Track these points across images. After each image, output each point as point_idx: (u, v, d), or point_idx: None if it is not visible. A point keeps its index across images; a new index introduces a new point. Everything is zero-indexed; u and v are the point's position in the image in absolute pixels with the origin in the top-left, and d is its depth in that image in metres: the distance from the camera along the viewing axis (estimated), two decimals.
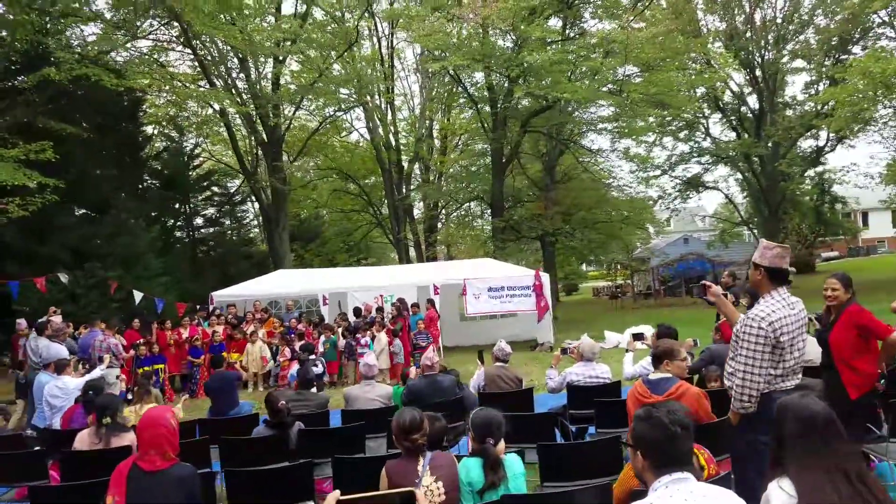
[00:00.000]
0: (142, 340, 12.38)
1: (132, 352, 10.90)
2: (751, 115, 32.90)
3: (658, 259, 37.49)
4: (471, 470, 3.35)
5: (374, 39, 27.44)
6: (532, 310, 16.78)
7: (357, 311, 14.34)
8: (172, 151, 27.08)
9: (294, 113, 24.60)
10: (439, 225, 36.09)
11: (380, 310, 14.34)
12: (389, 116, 28.40)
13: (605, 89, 19.69)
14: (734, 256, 32.60)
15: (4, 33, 14.50)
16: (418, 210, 34.60)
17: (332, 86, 22.64)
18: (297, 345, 12.44)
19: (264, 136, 23.16)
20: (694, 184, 34.91)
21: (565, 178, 30.42)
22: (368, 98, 27.34)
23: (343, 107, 25.76)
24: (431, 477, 3.25)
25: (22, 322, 10.64)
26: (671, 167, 33.91)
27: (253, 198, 26.36)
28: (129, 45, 19.03)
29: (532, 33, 17.99)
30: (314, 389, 7.37)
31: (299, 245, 30.67)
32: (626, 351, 6.81)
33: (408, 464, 3.31)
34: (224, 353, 12.89)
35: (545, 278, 17.12)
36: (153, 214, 24.69)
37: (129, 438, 5.17)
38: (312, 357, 9.73)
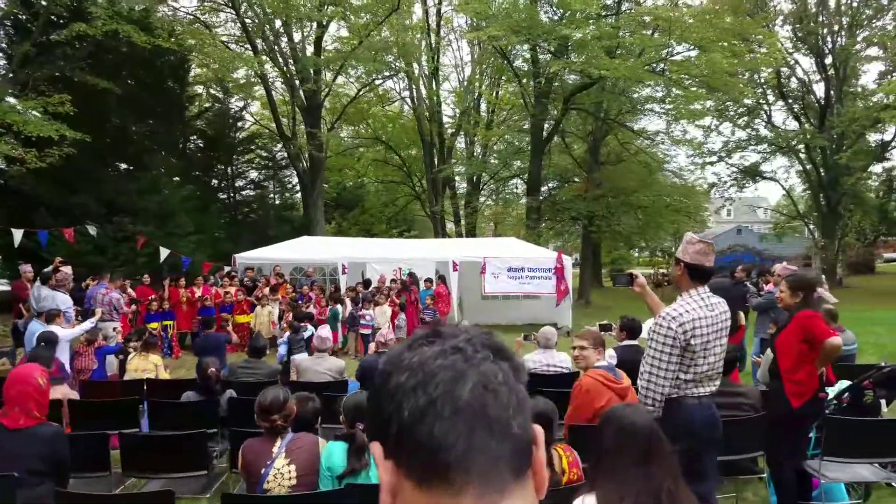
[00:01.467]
0: (153, 296, 12.68)
1: (133, 306, 11.11)
2: (816, 105, 31.01)
3: None
4: (333, 454, 3.18)
5: (422, 6, 27.07)
6: (551, 293, 16.41)
7: (367, 283, 14.27)
8: (217, 112, 27.51)
9: (334, 79, 24.51)
10: (481, 200, 35.79)
11: (394, 282, 14.23)
12: (434, 86, 28.05)
13: (649, 69, 18.67)
14: (786, 251, 31.12)
15: None
16: (461, 186, 34.35)
17: (373, 52, 22.34)
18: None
19: (304, 100, 23.19)
20: (751, 173, 33.36)
21: (613, 159, 29.51)
22: (415, 66, 27.10)
23: (386, 74, 25.48)
24: (285, 459, 3.10)
25: (27, 267, 10.93)
26: (728, 154, 32.48)
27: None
28: (173, 3, 19.37)
29: (574, 5, 17.22)
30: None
31: (339, 213, 30.90)
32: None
33: (264, 444, 3.17)
34: (230, 315, 13.24)
35: (567, 261, 16.68)
36: (195, 174, 25.26)
37: (60, 391, 5.21)
38: (304, 325, 9.68)
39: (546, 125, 24.62)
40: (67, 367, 8.46)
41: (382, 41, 22.80)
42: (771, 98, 31.87)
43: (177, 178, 20.88)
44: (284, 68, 22.13)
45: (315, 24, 23.73)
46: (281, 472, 3.03)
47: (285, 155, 30.76)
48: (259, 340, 6.34)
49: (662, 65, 18.63)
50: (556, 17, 21.16)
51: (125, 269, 16.21)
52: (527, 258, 16.64)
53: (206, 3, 22.06)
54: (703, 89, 21.31)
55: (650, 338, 3.43)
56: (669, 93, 21.25)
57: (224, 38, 25.03)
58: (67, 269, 10.70)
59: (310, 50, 23.70)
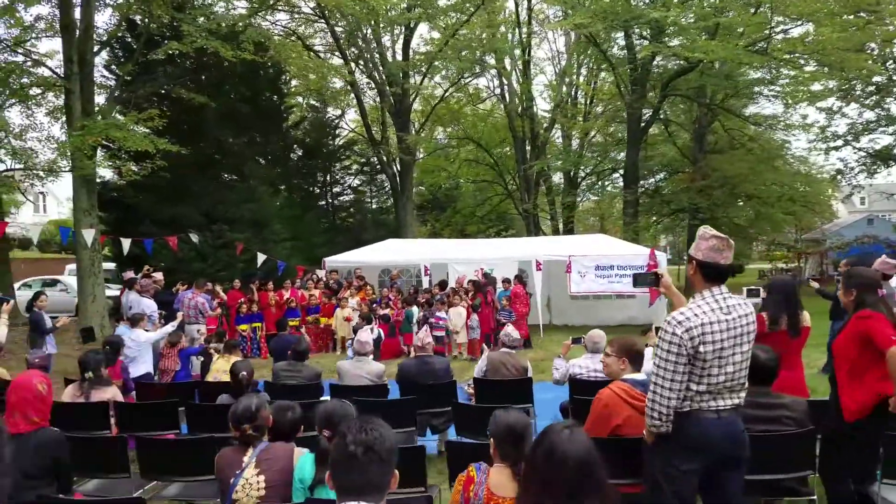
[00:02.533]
0: (242, 299, 13.23)
1: (219, 309, 11.62)
2: None
3: (833, 241, 33.05)
4: (305, 465, 3.01)
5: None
6: (644, 292, 15.53)
7: (443, 284, 14.14)
8: (314, 121, 28.51)
9: (421, 81, 24.69)
10: (582, 195, 34.84)
11: (471, 283, 14.00)
12: (525, 81, 27.55)
13: (751, 49, 17.11)
14: None
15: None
16: (560, 182, 33.54)
17: (459, 51, 22.28)
18: (381, 313, 12.64)
19: (392, 105, 23.54)
20: (882, 157, 30.09)
21: (723, 147, 27.64)
22: (507, 61, 26.77)
23: (475, 71, 25.31)
24: (255, 470, 2.96)
25: (129, 273, 11.70)
26: (855, 137, 29.50)
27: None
28: (266, 18, 20.27)
29: None
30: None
31: (431, 215, 31.13)
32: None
33: (236, 453, 3.05)
34: (316, 316, 13.59)
35: (661, 258, 15.76)
36: (294, 182, 26.32)
37: (110, 392, 5.42)
38: (369, 326, 9.71)
39: (645, 115, 23.49)
40: (151, 368, 8.96)
41: (468, 39, 22.68)
42: None
43: (273, 187, 21.73)
44: (374, 74, 22.53)
45: (403, 28, 24.07)
46: (250, 483, 2.90)
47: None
48: (301, 344, 6.34)
49: (765, 44, 17.01)
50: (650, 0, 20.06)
51: (226, 273, 17.17)
52: (616, 255, 15.87)
53: (298, 16, 22.86)
54: (823, 68, 19.44)
55: (657, 344, 3.01)
56: (779, 74, 19.53)
57: (318, 49, 26.00)
58: (158, 276, 11.38)
59: (399, 54, 24.05)
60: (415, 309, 12.41)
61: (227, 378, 7.83)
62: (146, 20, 15.68)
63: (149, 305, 9.95)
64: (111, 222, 18.44)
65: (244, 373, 4.87)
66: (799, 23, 18.23)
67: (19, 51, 15.40)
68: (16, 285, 19.10)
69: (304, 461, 3.00)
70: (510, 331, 6.14)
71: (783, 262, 35.35)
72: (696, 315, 2.90)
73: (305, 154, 27.66)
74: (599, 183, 35.15)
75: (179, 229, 15.96)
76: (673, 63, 21.55)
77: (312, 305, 13.60)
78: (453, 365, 6.94)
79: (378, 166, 31.88)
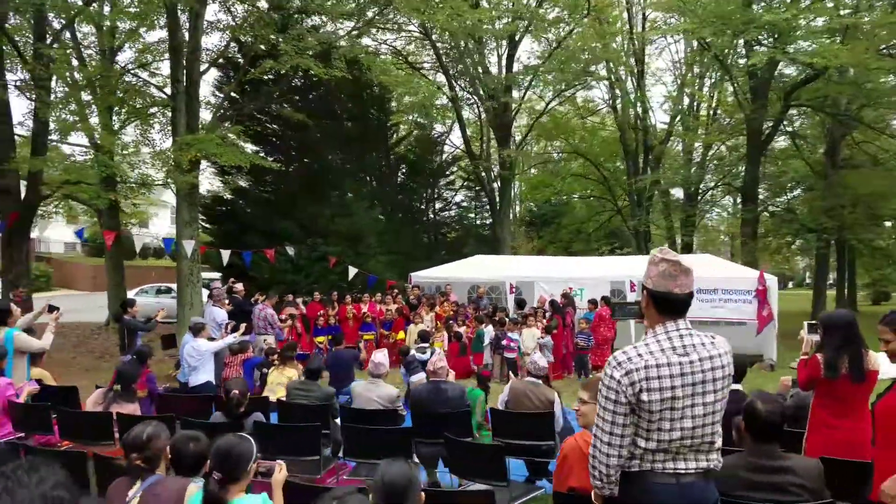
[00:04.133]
0: (321, 311, 13.39)
1: (289, 321, 11.76)
2: None
3: None
4: (193, 502, 2.69)
5: (625, 8, 25.57)
6: (752, 319, 14.07)
7: (521, 303, 13.52)
8: (420, 138, 28.83)
9: (524, 95, 24.21)
10: (698, 213, 32.58)
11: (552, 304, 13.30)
12: (638, 91, 26.29)
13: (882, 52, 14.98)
14: None
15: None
16: (678, 195, 31.63)
17: (560, 62, 21.63)
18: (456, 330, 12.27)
19: (494, 119, 23.25)
20: None
21: (861, 163, 24.72)
22: (622, 71, 25.68)
23: (580, 82, 24.49)
24: None
25: (216, 284, 12.15)
26: None
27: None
28: (374, 37, 20.79)
29: None
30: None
31: (536, 232, 30.36)
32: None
33: (125, 485, 2.78)
34: (389, 332, 13.46)
35: (772, 281, 14.21)
36: (398, 197, 26.70)
37: (129, 409, 5.43)
38: (425, 345, 9.36)
39: (767, 127, 21.47)
40: (212, 377, 9.13)
41: (573, 51, 21.95)
42: None
43: (371, 202, 22.09)
44: (473, 89, 22.40)
45: (506, 42, 23.78)
46: None
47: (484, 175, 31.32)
48: (314, 362, 6.08)
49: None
50: (769, 3, 18.34)
51: (318, 285, 17.56)
52: (721, 278, 14.50)
53: (401, 35, 23.27)
54: None
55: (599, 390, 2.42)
56: None
57: (425, 65, 26.33)
58: (238, 286, 11.75)
59: (504, 69, 23.79)
60: (489, 328, 11.91)
61: (281, 393, 7.84)
62: (251, 40, 16.46)
63: (218, 315, 10.21)
64: (220, 234, 19.52)
65: (236, 392, 4.68)
66: None
67: (143, 73, 16.79)
68: (132, 291, 20.75)
69: (193, 501, 2.69)
70: (536, 358, 5.53)
71: None
72: (640, 356, 2.33)
73: (409, 170, 28.02)
74: (723, 200, 32.81)
75: (280, 242, 16.57)
76: (799, 71, 19.53)
77: (388, 320, 13.51)
78: None
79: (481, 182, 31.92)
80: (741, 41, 20.12)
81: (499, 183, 24.66)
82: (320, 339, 13.07)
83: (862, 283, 39.26)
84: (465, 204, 32.29)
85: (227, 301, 10.55)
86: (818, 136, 25.24)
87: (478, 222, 32.24)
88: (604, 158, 29.82)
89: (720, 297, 14.29)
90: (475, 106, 25.81)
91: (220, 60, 18.07)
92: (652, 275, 2.39)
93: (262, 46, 16.57)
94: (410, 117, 29.60)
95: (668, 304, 2.36)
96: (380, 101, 24.97)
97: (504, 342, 11.23)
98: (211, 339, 9.69)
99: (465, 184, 31.02)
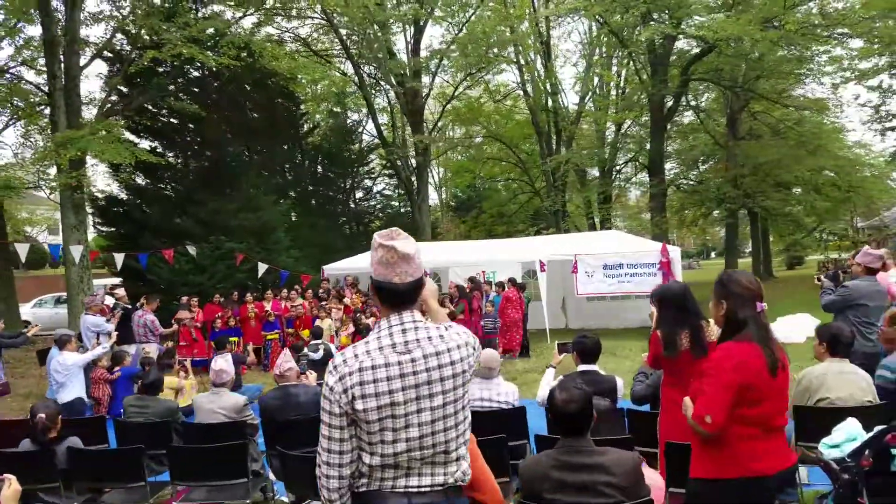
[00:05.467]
0: (219, 314, 12.69)
1: (175, 326, 11.09)
2: None
3: None
4: None
5: None
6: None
7: None
8: (334, 127, 28.11)
9: (432, 80, 23.92)
10: (615, 192, 33.23)
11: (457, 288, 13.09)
12: (544, 73, 26.41)
13: (766, 26, 15.36)
14: None
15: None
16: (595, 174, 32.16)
17: (464, 46, 21.42)
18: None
19: (405, 105, 22.87)
20: None
21: (761, 134, 25.71)
22: (531, 54, 25.67)
23: (485, 65, 24.35)
24: None
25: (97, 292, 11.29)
26: None
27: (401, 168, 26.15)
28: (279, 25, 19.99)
29: None
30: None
31: (458, 217, 30.25)
32: (548, 367, 4.95)
33: None
34: (293, 329, 12.93)
35: (675, 252, 14.48)
36: (310, 188, 25.95)
37: None
38: (318, 342, 8.95)
39: (669, 102, 21.97)
40: (83, 393, 8.40)
41: (477, 34, 21.75)
42: None
43: (279, 195, 21.32)
44: (381, 75, 21.92)
45: (413, 28, 23.38)
46: None
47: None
48: (151, 374, 5.59)
49: (779, 20, 15.21)
50: None
51: (223, 285, 16.76)
52: (625, 253, 14.66)
53: (304, 22, 22.51)
54: (871, 44, 17.44)
55: None
56: (808, 52, 17.75)
57: (334, 54, 25.59)
58: (119, 292, 10.95)
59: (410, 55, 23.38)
60: None
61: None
62: (134, 31, 15.50)
63: (94, 324, 9.48)
64: (117, 237, 18.41)
65: (41, 416, 4.16)
66: None
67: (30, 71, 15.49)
68: (30, 304, 19.39)
69: None
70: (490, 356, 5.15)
71: (837, 252, 32.81)
72: (356, 356, 2.00)
73: (325, 160, 27.28)
74: (638, 176, 33.56)
75: (180, 242, 15.69)
76: (692, 46, 20.01)
77: (292, 318, 12.96)
78: None
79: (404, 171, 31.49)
80: (638, 18, 20.52)
81: (414, 169, 24.33)
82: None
83: (777, 250, 41.22)
84: (388, 192, 31.83)
85: (111, 307, 9.81)
86: (719, 108, 26.06)
87: (402, 210, 31.86)
88: (518, 142, 29.94)
89: (625, 271, 14.45)
90: (387, 93, 25.33)
91: (106, 53, 16.91)
92: (373, 262, 2.10)
93: (148, 37, 15.62)
94: (322, 106, 28.89)
95: (390, 295, 2.07)
96: (286, 91, 24.09)
97: None
98: (85, 349, 9.00)
99: (384, 172, 30.57)
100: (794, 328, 10.88)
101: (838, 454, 3.25)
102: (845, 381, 4.11)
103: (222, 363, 5.02)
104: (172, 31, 14.32)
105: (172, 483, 4.41)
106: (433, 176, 40.74)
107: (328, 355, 9.36)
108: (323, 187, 27.36)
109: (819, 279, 6.14)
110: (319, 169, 27.32)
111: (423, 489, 2.00)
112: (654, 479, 3.61)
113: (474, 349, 2.15)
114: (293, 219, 21.82)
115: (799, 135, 22.07)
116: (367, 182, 30.24)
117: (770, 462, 2.54)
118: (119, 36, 17.10)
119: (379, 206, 31.00)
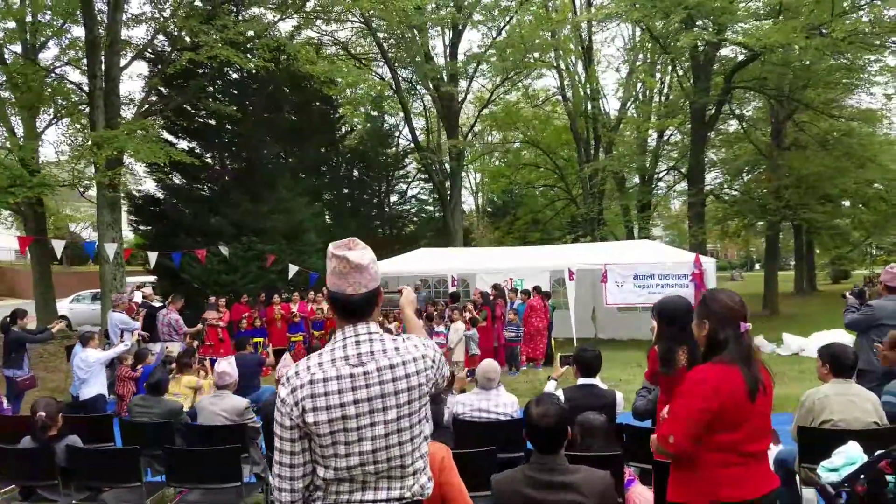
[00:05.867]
0: (245, 314, 12.80)
1: (199, 325, 11.20)
2: None
3: None
4: None
5: None
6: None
7: (455, 297, 13.15)
8: (371, 130, 28.20)
9: (469, 84, 23.81)
10: (655, 201, 32.53)
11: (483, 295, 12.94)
12: (585, 79, 26.03)
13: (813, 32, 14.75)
14: None
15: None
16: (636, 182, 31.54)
17: (501, 50, 21.27)
18: None
19: (441, 110, 22.84)
20: None
21: (807, 144, 24.77)
22: (573, 59, 25.35)
23: (524, 70, 24.13)
24: None
25: (126, 289, 11.51)
26: None
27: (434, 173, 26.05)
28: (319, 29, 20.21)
29: None
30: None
31: (492, 223, 30.05)
32: (549, 378, 4.81)
33: None
34: (321, 332, 12.97)
35: (709, 264, 14.08)
36: (345, 191, 26.08)
37: None
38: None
39: (711, 110, 21.34)
40: (104, 390, 8.54)
41: (515, 38, 21.58)
42: None
43: (310, 197, 21.44)
44: (418, 79, 21.94)
45: (450, 32, 23.35)
46: None
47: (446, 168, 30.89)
48: (155, 375, 5.59)
49: (826, 27, 14.54)
50: None
51: (254, 285, 16.94)
52: (657, 263, 14.32)
53: (343, 25, 22.70)
54: None
55: None
56: (859, 61, 17.06)
57: (373, 57, 25.71)
58: (147, 290, 11.17)
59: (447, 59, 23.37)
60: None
61: (179, 400, 7.30)
62: (176, 32, 15.83)
63: (121, 321, 9.65)
64: (153, 236, 18.79)
65: (41, 414, 4.19)
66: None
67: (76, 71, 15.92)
68: (67, 299, 19.92)
69: None
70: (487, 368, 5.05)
71: (883, 267, 31.33)
72: (308, 368, 1.98)
73: (360, 163, 27.43)
74: (679, 185, 32.75)
75: (213, 242, 15.92)
76: (736, 53, 19.42)
77: (318, 320, 13.01)
78: None
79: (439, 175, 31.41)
80: (682, 24, 20.00)
81: (448, 174, 24.26)
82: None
83: (822, 263, 39.82)
84: (422, 196, 31.85)
85: (137, 306, 9.99)
86: (765, 118, 25.24)
87: (437, 214, 31.84)
88: (556, 147, 29.59)
89: (657, 282, 14.09)
90: (423, 98, 25.35)
91: (147, 53, 17.31)
92: (328, 272, 2.06)
93: (188, 38, 15.92)
94: (358, 109, 29.01)
95: (343, 306, 2.03)
96: (322, 93, 24.26)
97: (433, 337, 10.82)
98: (111, 346, 9.17)
99: (420, 176, 30.61)
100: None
101: (836, 478, 3.09)
102: (848, 403, 3.98)
103: (225, 365, 5.00)
104: (211, 34, 14.54)
105: (168, 484, 4.39)
106: (469, 180, 40.70)
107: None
108: (358, 190, 27.51)
109: (844, 296, 5.89)
110: (355, 172, 27.49)
111: (379, 503, 1.94)
112: (644, 496, 3.43)
113: (433, 361, 2.10)
114: (327, 221, 21.93)
115: (847, 146, 21.21)
116: (402, 186, 30.28)
117: (748, 489, 2.38)
118: (160, 37, 17.54)
119: (413, 210, 31.03)
